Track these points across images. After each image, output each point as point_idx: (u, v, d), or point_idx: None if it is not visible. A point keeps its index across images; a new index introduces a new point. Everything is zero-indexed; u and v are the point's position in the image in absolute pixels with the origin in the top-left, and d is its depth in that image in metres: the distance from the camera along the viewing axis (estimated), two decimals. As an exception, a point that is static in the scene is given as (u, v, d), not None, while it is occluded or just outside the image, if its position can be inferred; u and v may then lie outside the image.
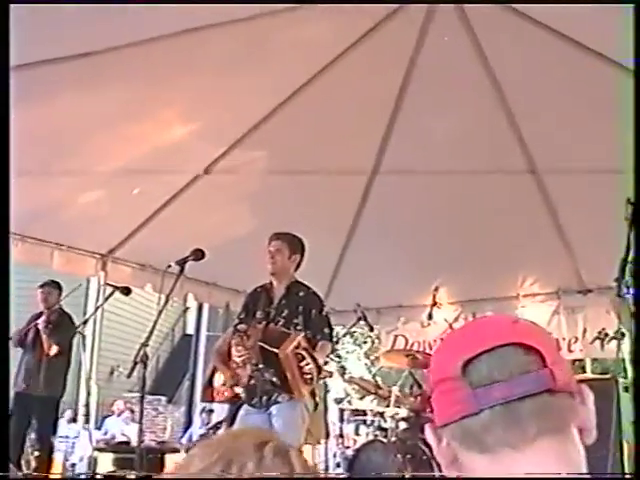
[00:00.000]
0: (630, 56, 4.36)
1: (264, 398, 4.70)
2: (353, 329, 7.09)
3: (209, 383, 6.96)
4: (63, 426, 12.16)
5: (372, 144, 6.33)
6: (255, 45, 4.97)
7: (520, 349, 0.97)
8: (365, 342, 22.05)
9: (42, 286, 6.72)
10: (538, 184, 6.29)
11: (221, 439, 1.09)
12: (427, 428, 1.04)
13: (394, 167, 6.45)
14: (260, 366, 4.67)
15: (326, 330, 4.83)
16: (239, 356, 4.73)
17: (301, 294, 4.91)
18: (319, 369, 4.59)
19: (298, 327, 4.76)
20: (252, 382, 4.78)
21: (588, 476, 0.96)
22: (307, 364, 4.53)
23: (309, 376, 4.55)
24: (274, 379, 4.61)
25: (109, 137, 5.55)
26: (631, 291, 3.26)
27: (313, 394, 4.73)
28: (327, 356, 5.07)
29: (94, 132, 5.43)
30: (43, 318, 6.51)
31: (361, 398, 7.74)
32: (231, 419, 4.98)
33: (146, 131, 5.69)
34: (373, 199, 6.93)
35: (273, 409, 4.67)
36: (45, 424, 6.49)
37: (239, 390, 6.48)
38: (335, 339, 5.24)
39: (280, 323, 4.79)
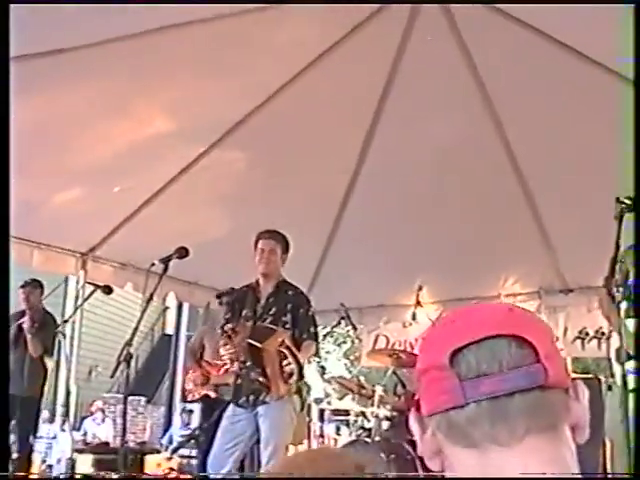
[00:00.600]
0: (614, 56, 4.40)
1: (251, 397, 4.67)
2: (333, 329, 7.07)
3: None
4: (40, 426, 12.04)
5: (354, 144, 6.32)
6: (236, 44, 4.94)
7: (512, 341, 0.92)
8: (345, 342, 22.09)
9: (23, 286, 6.56)
10: (520, 183, 6.30)
11: (323, 456, 1.09)
12: (412, 416, 1.00)
13: (376, 167, 6.44)
14: (247, 363, 4.65)
15: (312, 329, 4.84)
16: (227, 354, 4.69)
17: (290, 293, 4.91)
18: (300, 369, 4.59)
19: (286, 325, 4.76)
20: (239, 381, 4.75)
21: (587, 476, 0.92)
22: (288, 363, 4.52)
23: (289, 375, 4.54)
24: (260, 378, 4.58)
25: (89, 135, 5.49)
26: (621, 290, 3.27)
27: (300, 394, 4.72)
28: (312, 356, 5.07)
29: (74, 130, 5.38)
30: (27, 319, 6.38)
31: (340, 398, 7.69)
32: (216, 419, 4.94)
33: (127, 129, 5.65)
34: (355, 199, 6.94)
35: (260, 409, 4.64)
36: (26, 425, 6.39)
37: (209, 390, 6.49)
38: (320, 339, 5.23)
39: (268, 320, 4.78)
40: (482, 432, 0.90)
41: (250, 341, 4.56)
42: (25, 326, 6.35)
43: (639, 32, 3.51)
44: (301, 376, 4.65)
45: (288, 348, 4.55)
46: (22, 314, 6.50)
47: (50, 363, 6.61)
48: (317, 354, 5.37)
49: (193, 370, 6.79)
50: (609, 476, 5.03)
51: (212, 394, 6.47)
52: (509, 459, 0.89)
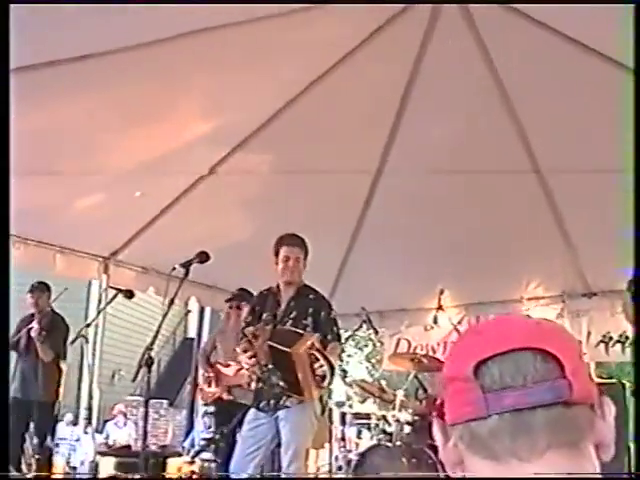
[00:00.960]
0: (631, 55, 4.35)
1: (272, 402, 4.66)
2: (355, 332, 7.06)
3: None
4: (64, 429, 12.17)
5: (376, 147, 6.30)
6: (258, 47, 4.93)
7: (538, 355, 0.91)
8: (366, 345, 22.05)
9: (31, 290, 6.53)
10: (543, 186, 6.25)
11: None
12: (435, 424, 1.00)
13: (397, 170, 6.41)
14: (269, 367, 4.63)
15: (335, 330, 4.82)
16: (248, 358, 4.69)
17: (311, 297, 4.89)
18: (332, 370, 4.53)
19: (308, 329, 4.72)
20: (260, 385, 4.74)
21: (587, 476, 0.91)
22: (320, 365, 4.45)
23: (321, 378, 4.49)
24: (281, 382, 4.56)
25: (112, 139, 5.51)
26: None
27: (321, 398, 4.70)
28: (339, 357, 5.06)
29: (97, 134, 5.40)
30: (35, 324, 6.30)
31: (362, 402, 7.70)
32: (238, 423, 4.94)
33: (148, 133, 5.66)
34: (377, 202, 6.90)
35: (281, 413, 4.62)
36: (44, 428, 6.37)
37: (222, 392, 6.49)
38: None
39: (288, 324, 4.76)
40: (503, 446, 0.90)
41: (275, 345, 4.51)
42: (33, 334, 6.28)
43: (639, 32, 3.47)
44: (333, 378, 4.64)
45: (319, 351, 4.48)
46: (31, 317, 6.47)
47: (64, 366, 6.57)
48: (341, 355, 5.36)
49: (205, 372, 6.81)
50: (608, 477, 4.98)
51: (225, 396, 6.46)
52: (528, 474, 0.89)
